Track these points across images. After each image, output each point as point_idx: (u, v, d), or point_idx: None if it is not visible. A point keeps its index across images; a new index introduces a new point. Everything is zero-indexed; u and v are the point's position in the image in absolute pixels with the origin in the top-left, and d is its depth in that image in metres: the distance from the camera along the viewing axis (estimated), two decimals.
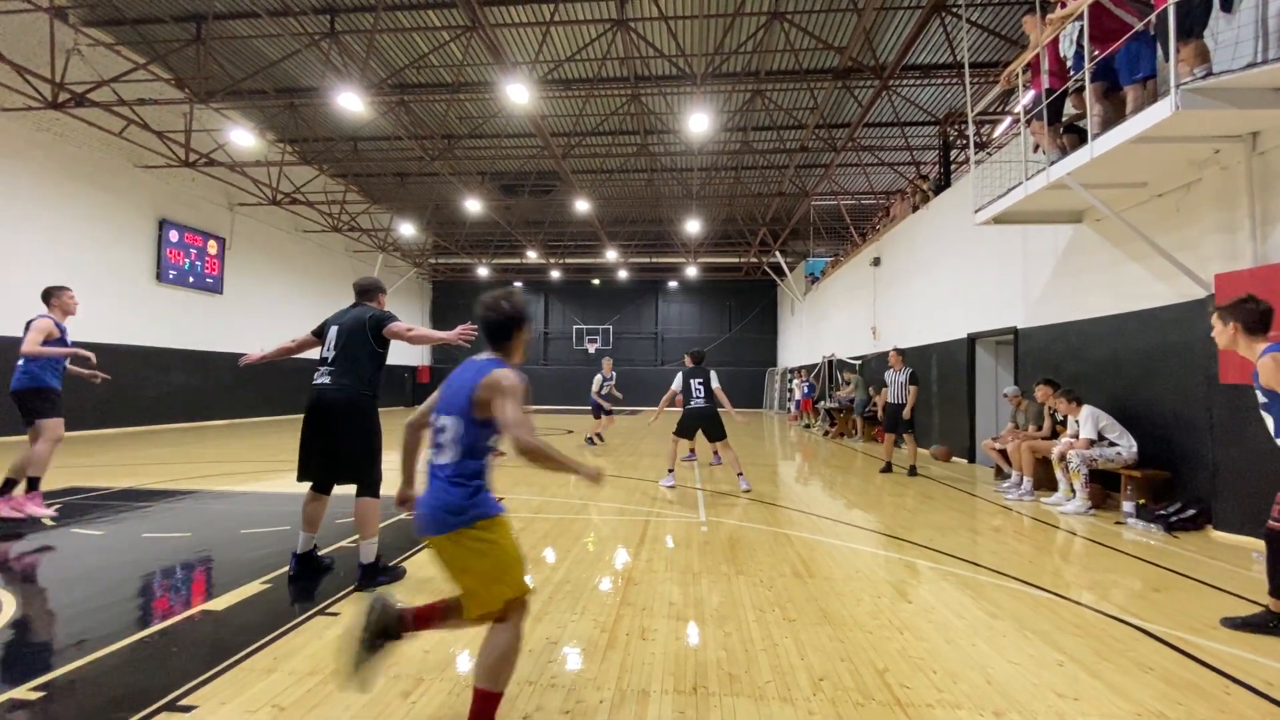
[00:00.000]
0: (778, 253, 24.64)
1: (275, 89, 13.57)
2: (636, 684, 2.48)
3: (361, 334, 3.68)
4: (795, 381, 21.23)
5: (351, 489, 3.75)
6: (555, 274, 29.89)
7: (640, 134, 15.81)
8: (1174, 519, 5.39)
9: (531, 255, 26.59)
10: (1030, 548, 4.83)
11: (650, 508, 6.10)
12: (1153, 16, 4.53)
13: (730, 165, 18.15)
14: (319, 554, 3.96)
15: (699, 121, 12.24)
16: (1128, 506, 5.77)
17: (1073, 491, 6.22)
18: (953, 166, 14.11)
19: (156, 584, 3.77)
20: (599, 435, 12.53)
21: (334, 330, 3.74)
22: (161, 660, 2.66)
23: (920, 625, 3.15)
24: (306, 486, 3.79)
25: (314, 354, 4.04)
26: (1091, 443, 6.05)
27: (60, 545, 4.52)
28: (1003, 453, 7.58)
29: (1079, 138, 5.57)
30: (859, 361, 16.12)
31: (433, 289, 32.08)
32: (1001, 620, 3.24)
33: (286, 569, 3.91)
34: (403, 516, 5.57)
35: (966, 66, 7.96)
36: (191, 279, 16.13)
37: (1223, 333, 3.29)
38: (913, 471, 8.60)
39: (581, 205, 18.58)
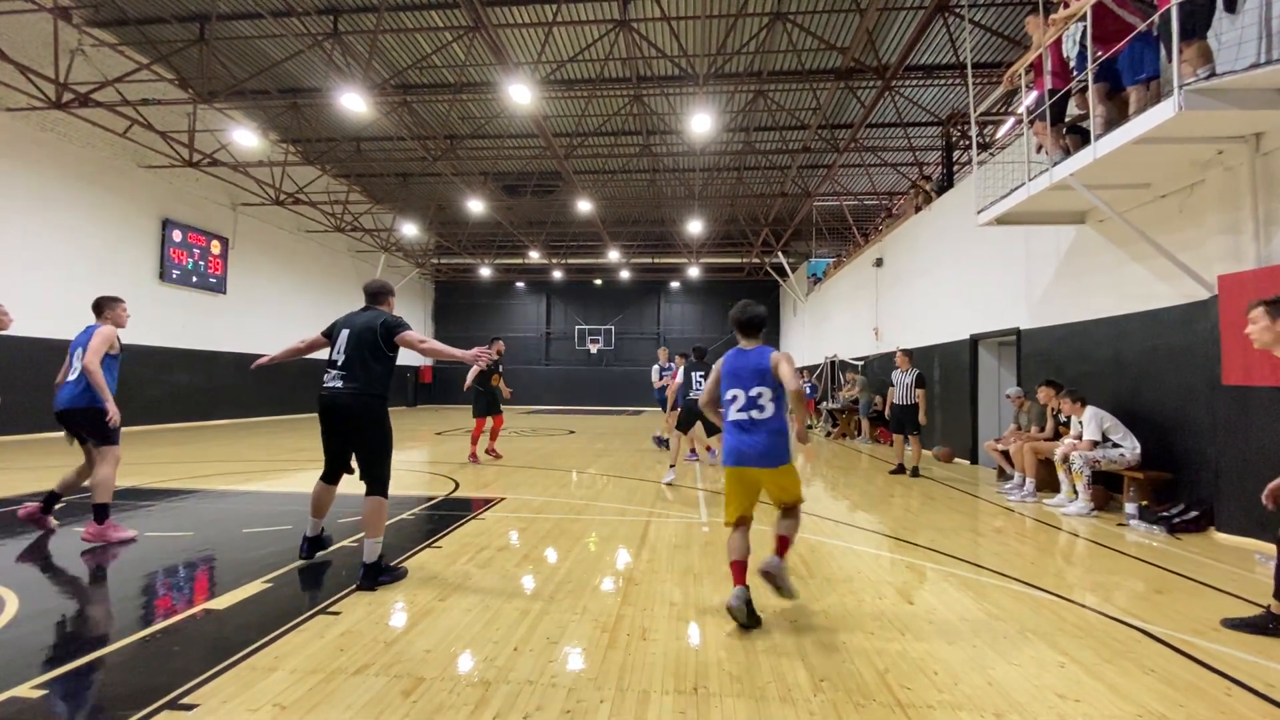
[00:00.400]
0: (780, 253, 24.62)
1: (278, 89, 13.61)
2: (637, 684, 2.48)
3: (373, 339, 3.71)
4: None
5: (347, 489, 3.80)
6: (557, 274, 29.92)
7: (642, 134, 15.81)
8: (1176, 520, 5.37)
9: (534, 255, 26.62)
10: (1032, 549, 4.82)
11: (651, 508, 6.10)
12: (1155, 17, 4.53)
13: (733, 166, 18.15)
14: (324, 535, 4.21)
15: (701, 122, 12.23)
16: (1130, 508, 5.75)
17: (1075, 493, 6.20)
18: (955, 167, 14.09)
19: (158, 583, 3.78)
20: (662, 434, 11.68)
21: (345, 333, 3.77)
22: (163, 659, 2.67)
23: (921, 626, 3.15)
24: (312, 485, 4.02)
25: (320, 355, 4.10)
26: (1095, 444, 6.03)
27: (62, 544, 4.53)
28: (1005, 454, 7.56)
29: (1082, 138, 5.56)
30: (861, 362, 16.10)
31: (435, 289, 32.12)
32: (1003, 622, 3.23)
33: (288, 568, 3.95)
34: (404, 517, 5.58)
35: (969, 67, 7.94)
36: (195, 279, 16.17)
37: (1269, 329, 3.06)
38: (915, 473, 8.59)
39: (584, 206, 18.59)
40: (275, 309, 19.25)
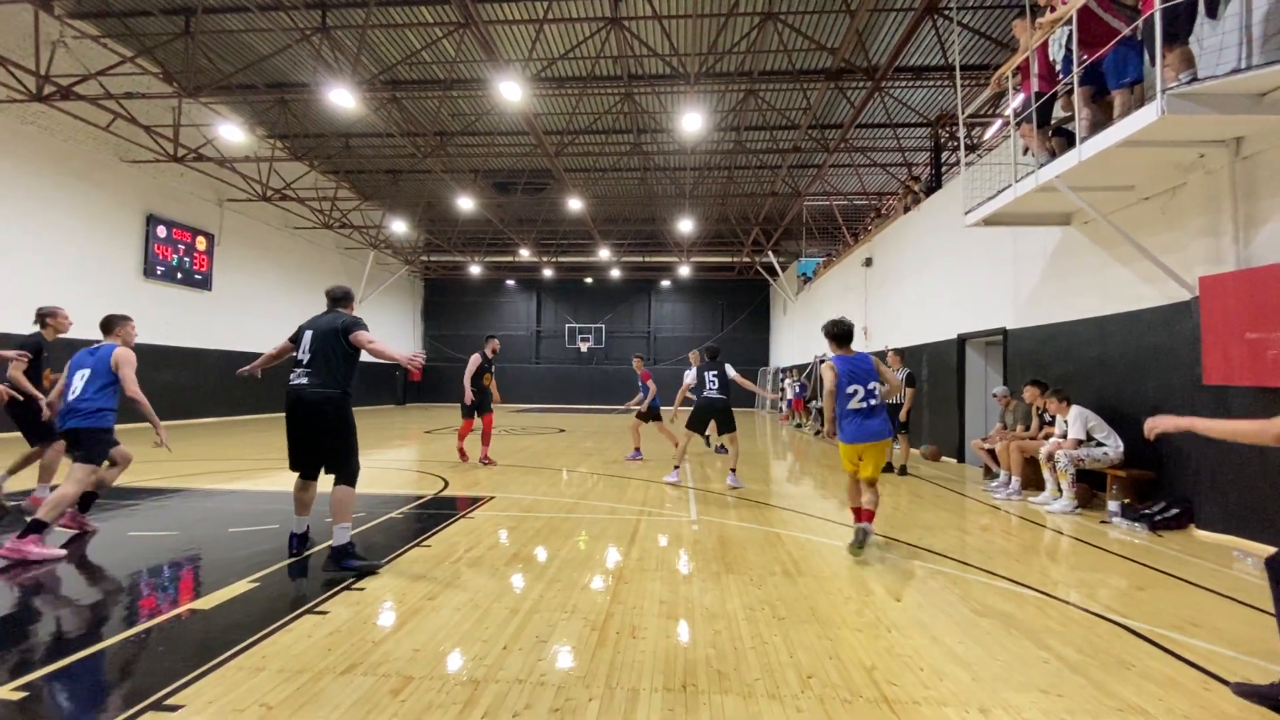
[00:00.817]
0: (770, 252, 24.71)
1: (265, 84, 13.46)
2: (626, 682, 2.49)
3: (334, 338, 3.98)
4: (786, 383, 21.31)
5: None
6: (548, 272, 29.84)
7: (633, 133, 15.80)
8: (1158, 518, 5.46)
9: (524, 253, 26.53)
10: (1017, 546, 4.88)
11: (642, 506, 6.11)
12: (1140, 22, 4.59)
13: (723, 165, 18.18)
14: (309, 533, 4.33)
15: (692, 121, 12.25)
16: (1113, 506, 5.84)
17: (1060, 491, 6.28)
18: (944, 168, 14.21)
19: (143, 583, 3.74)
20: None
21: (309, 334, 4.04)
22: (148, 659, 2.65)
23: (908, 623, 3.18)
24: (295, 477, 4.14)
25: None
26: (1079, 443, 6.11)
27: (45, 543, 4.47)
28: (991, 452, 7.65)
29: (1067, 141, 5.63)
30: None
31: (424, 287, 31.95)
32: (988, 618, 3.27)
33: (275, 567, 3.93)
34: (393, 516, 5.55)
35: (958, 69, 8.01)
36: (180, 275, 15.98)
37: None
38: (903, 471, 8.66)
39: (574, 204, 18.56)
40: (262, 306, 19.05)
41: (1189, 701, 2.41)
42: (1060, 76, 5.55)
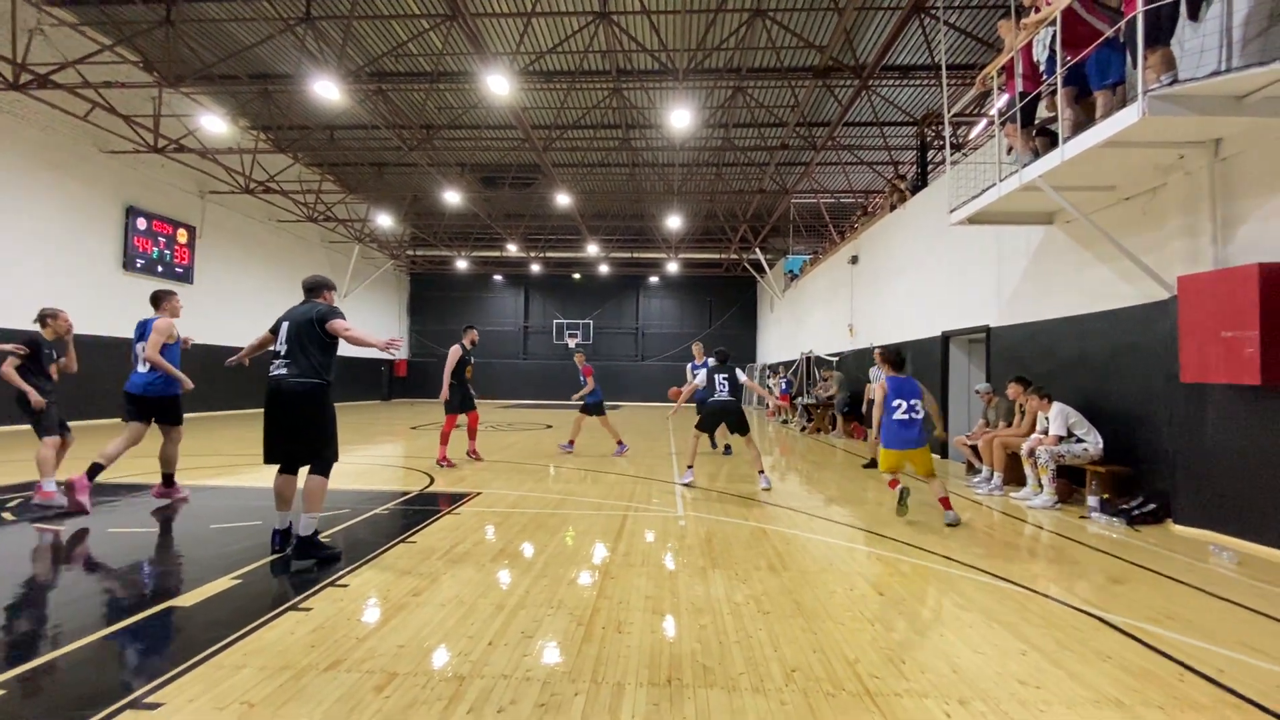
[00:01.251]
0: (758, 250, 24.78)
1: (248, 74, 13.26)
2: (612, 676, 2.49)
3: (310, 327, 4.00)
4: (773, 380, 21.41)
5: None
6: (535, 268, 29.71)
7: (622, 128, 15.76)
8: (1135, 513, 5.56)
9: (511, 248, 26.39)
10: (999, 541, 4.95)
11: (629, 502, 6.12)
12: (1122, 24, 4.65)
13: (712, 161, 18.19)
14: (294, 529, 4.19)
15: (681, 117, 12.24)
16: (1092, 501, 5.93)
17: (1040, 486, 6.37)
18: (930, 167, 14.32)
19: (122, 580, 3.69)
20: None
21: (285, 325, 4.06)
22: (127, 657, 2.61)
23: (891, 617, 3.22)
24: (274, 473, 4.14)
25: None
26: (1060, 439, 6.21)
27: (22, 540, 4.40)
28: (974, 448, 7.74)
29: (1050, 141, 5.69)
30: (836, 358, 16.31)
31: (410, 281, 31.69)
32: (969, 612, 3.32)
33: (258, 564, 3.90)
34: (378, 512, 5.51)
35: (944, 68, 8.07)
36: (160, 268, 15.73)
37: None
38: None
39: (563, 199, 18.49)
40: (245, 300, 18.78)
41: (1164, 693, 2.46)
42: (1044, 77, 5.60)
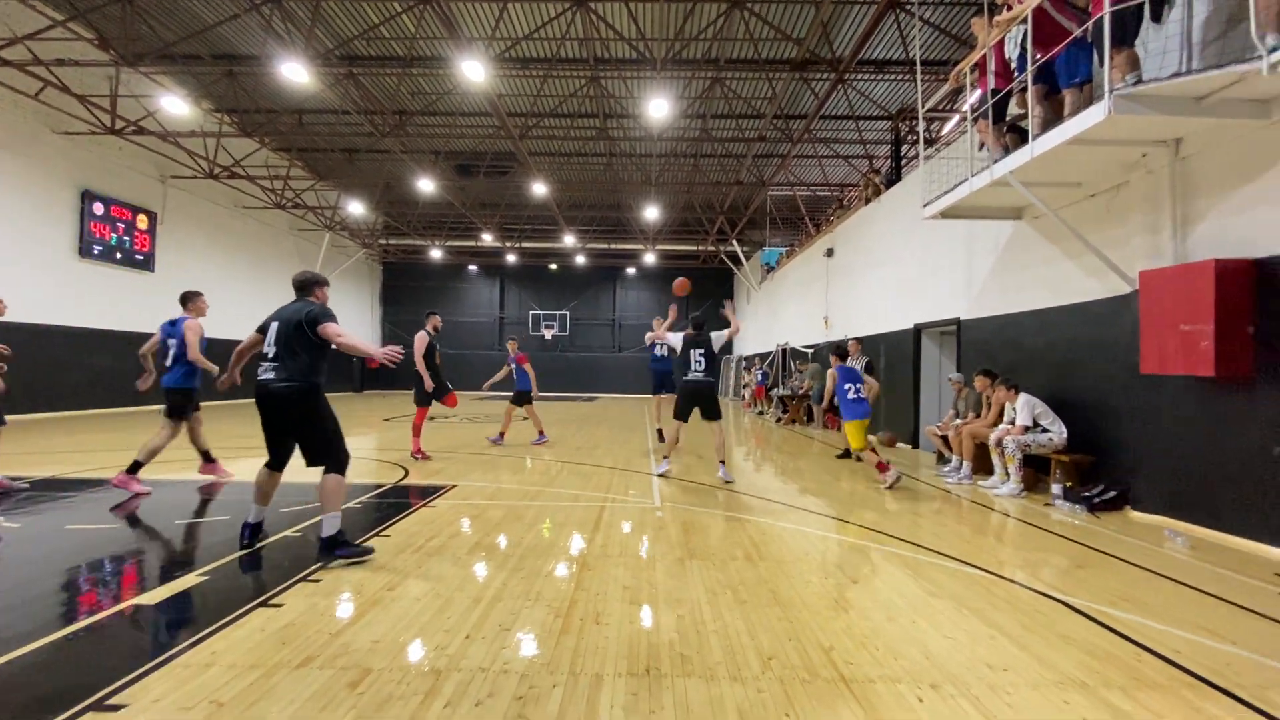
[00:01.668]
0: (734, 242, 24.88)
1: (212, 55, 12.81)
2: (590, 667, 2.50)
3: (300, 330, 3.83)
4: (748, 374, 21.56)
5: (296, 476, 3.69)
6: (511, 258, 29.44)
7: (599, 117, 15.64)
8: (1097, 500, 5.74)
9: (487, 238, 26.08)
10: (968, 529, 5.08)
11: (606, 494, 6.12)
12: (1090, 24, 4.74)
13: (689, 153, 18.17)
14: (264, 524, 4.19)
15: (659, 107, 12.18)
16: (1056, 489, 6.12)
17: (1007, 475, 6.54)
18: (903, 161, 14.50)
19: (83, 578, 3.57)
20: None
21: (274, 326, 3.90)
22: (89, 657, 2.53)
23: (864, 604, 3.28)
24: (252, 474, 4.04)
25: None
26: (1027, 429, 6.37)
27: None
28: (944, 438, 7.91)
29: (1021, 137, 5.80)
30: (811, 350, 16.49)
31: (383, 270, 31.12)
32: (940, 598, 3.40)
33: (226, 560, 3.81)
34: (351, 506, 5.43)
35: (918, 63, 8.17)
36: (119, 255, 15.17)
37: None
38: (859, 457, 8.88)
39: (539, 188, 18.31)
40: (210, 289, 17.78)
41: (1123, 673, 2.56)
42: (1015, 74, 5.70)
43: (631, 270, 31.56)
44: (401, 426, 12.54)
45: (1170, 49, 4.81)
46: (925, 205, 7.37)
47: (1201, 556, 4.32)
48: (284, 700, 2.22)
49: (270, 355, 3.85)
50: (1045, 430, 6.31)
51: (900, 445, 10.57)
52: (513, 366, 9.78)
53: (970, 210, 7.20)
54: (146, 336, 6.56)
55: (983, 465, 7.22)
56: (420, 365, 8.00)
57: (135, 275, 15.79)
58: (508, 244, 27.85)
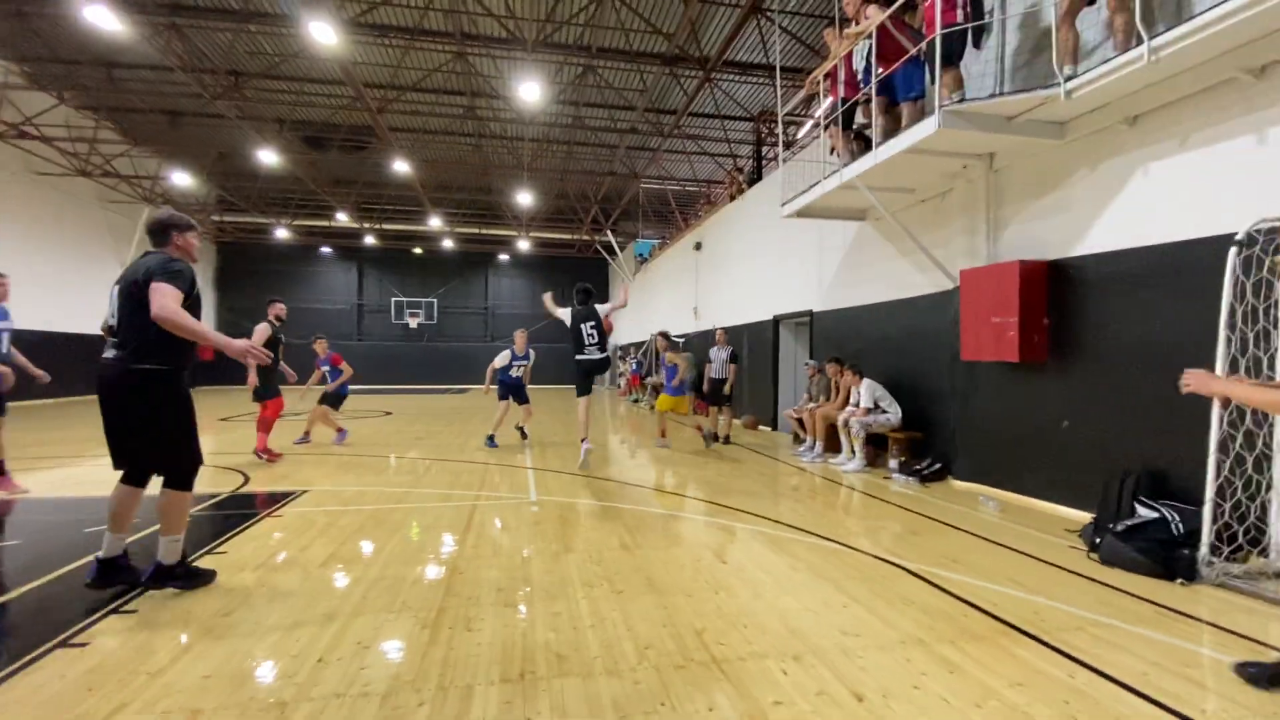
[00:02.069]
0: (609, 232, 24.99)
1: None
2: (460, 679, 2.37)
3: (138, 293, 2.95)
4: (623, 363, 21.83)
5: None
6: (370, 240, 27.32)
7: (467, 95, 14.90)
8: (925, 472, 6.49)
9: (342, 218, 23.98)
10: (821, 504, 5.51)
11: (479, 491, 5.90)
12: (924, 44, 5.26)
13: (563, 139, 17.89)
14: (130, 561, 3.23)
15: (531, 90, 11.85)
16: (893, 464, 6.83)
17: (853, 453, 7.20)
18: (764, 161, 15.34)
19: None
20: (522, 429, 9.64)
21: (115, 290, 3.07)
22: None
23: (733, 584, 3.43)
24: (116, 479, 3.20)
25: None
26: (869, 410, 7.03)
27: None
28: (800, 421, 8.53)
29: (866, 145, 6.34)
30: (682, 340, 17.03)
31: (218, 252, 27.59)
32: (800, 572, 3.64)
33: (12, 595, 3.16)
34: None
35: (778, 68, 8.63)
36: None
37: None
38: (727, 440, 9.34)
39: (401, 166, 17.13)
40: None
41: (953, 628, 2.89)
42: (862, 86, 6.21)
43: (505, 257, 30.64)
44: (242, 427, 11.20)
45: (987, 73, 5.48)
46: (784, 204, 7.84)
47: (1009, 518, 5.02)
48: None
49: (113, 328, 3.05)
50: (884, 411, 7.01)
51: (762, 427, 11.25)
52: (325, 369, 8.96)
53: (823, 210, 7.77)
54: None
55: (833, 445, 7.87)
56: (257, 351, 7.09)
57: None
58: (366, 225, 25.80)
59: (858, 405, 7.20)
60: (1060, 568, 3.80)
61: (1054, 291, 5.23)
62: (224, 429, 11.10)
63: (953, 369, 6.37)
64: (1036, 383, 5.42)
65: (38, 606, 3.09)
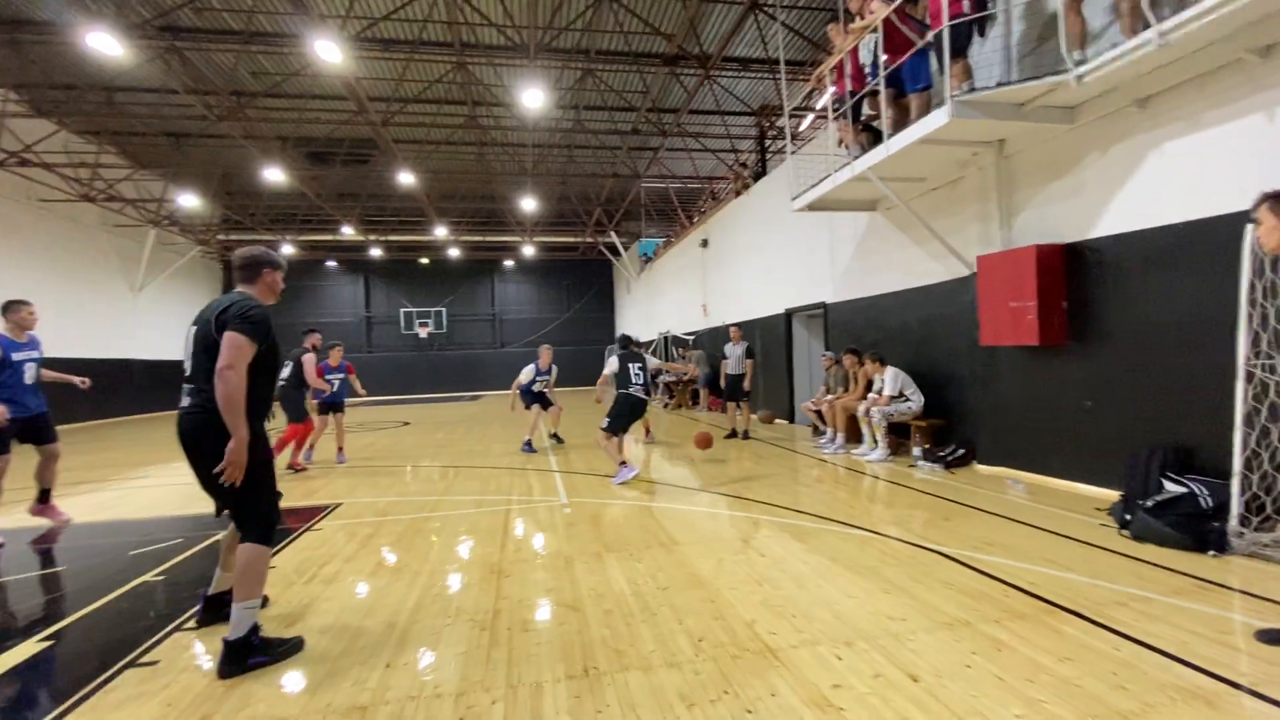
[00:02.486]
0: (613, 233, 25.06)
1: None
2: (527, 677, 2.46)
3: (211, 336, 2.71)
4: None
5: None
6: (376, 252, 27.49)
7: (469, 104, 15.01)
8: (950, 459, 6.54)
9: (348, 231, 24.14)
10: (847, 494, 5.58)
11: (509, 495, 5.99)
12: (930, 36, 5.31)
13: (564, 144, 17.98)
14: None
15: (533, 97, 11.94)
16: (917, 451, 6.88)
17: (875, 442, 7.25)
18: (767, 156, 15.37)
19: None
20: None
21: (191, 332, 2.84)
22: None
23: (775, 576, 3.51)
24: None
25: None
26: (892, 399, 7.08)
27: None
28: (819, 413, 8.58)
29: (874, 136, 6.39)
30: (692, 337, 17.10)
31: (224, 270, 27.81)
32: (838, 562, 3.71)
33: (79, 615, 3.27)
34: (219, 538, 4.86)
35: (783, 62, 8.68)
36: None
37: (1276, 229, 2.90)
38: (745, 436, 9.41)
39: (405, 178, 17.26)
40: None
41: (996, 608, 2.96)
42: (869, 78, 6.25)
43: (510, 263, 30.75)
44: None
45: (993, 61, 5.52)
46: (794, 199, 7.89)
47: (1037, 499, 5.07)
48: None
49: (187, 375, 2.82)
50: (907, 400, 7.05)
51: (779, 421, 11.31)
52: (340, 378, 8.88)
53: (834, 203, 7.81)
54: None
55: (854, 435, 7.93)
56: (315, 380, 7.85)
57: None
58: (372, 237, 25.98)
59: (880, 394, 7.25)
60: (1093, 545, 3.85)
61: (1071, 274, 5.27)
62: None
63: (973, 355, 6.41)
64: (1057, 365, 5.47)
65: (99, 629, 3.19)
